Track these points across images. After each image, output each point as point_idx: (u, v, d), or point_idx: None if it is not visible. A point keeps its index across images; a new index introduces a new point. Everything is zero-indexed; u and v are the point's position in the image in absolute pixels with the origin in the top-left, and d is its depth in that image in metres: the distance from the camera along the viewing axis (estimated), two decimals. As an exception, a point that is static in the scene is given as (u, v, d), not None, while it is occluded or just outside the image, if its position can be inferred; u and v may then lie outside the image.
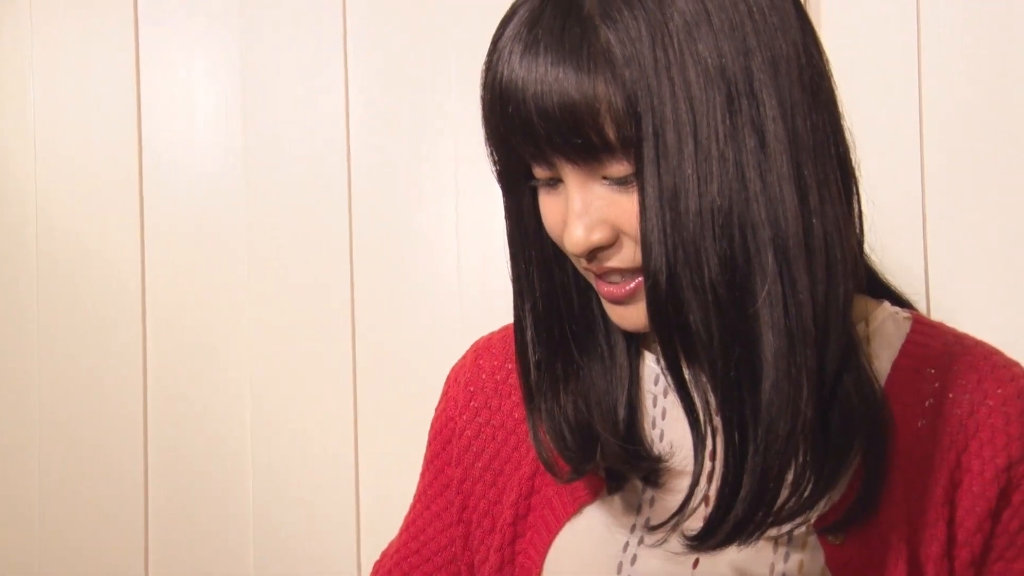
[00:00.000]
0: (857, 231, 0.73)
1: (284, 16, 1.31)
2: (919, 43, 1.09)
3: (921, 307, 0.97)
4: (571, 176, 0.67)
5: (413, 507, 0.89)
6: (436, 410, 0.88)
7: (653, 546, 0.74)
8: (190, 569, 1.34)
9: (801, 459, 0.67)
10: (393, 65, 1.27)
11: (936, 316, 1.06)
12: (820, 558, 0.71)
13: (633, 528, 0.76)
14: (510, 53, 0.65)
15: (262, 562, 1.31)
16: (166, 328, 1.35)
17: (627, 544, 0.75)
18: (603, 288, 0.70)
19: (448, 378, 0.89)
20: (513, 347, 0.78)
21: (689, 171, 0.62)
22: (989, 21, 1.07)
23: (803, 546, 0.72)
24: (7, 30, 1.41)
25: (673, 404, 0.77)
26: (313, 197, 1.29)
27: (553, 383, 0.75)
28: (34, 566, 1.40)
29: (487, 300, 1.22)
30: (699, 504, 0.73)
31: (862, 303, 0.77)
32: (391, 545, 0.90)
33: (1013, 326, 1.04)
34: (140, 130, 1.36)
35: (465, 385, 0.86)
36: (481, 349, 0.87)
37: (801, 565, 0.71)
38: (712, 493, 0.71)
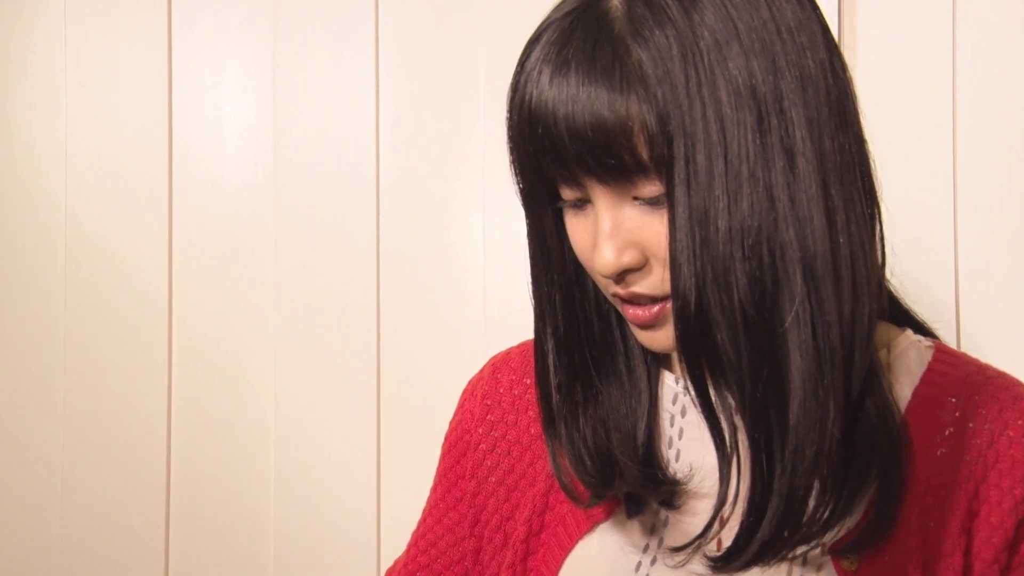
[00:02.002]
0: (879, 254, 0.73)
1: (316, 29, 1.32)
2: (954, 64, 1.08)
3: (948, 335, 0.97)
4: (601, 197, 0.66)
5: (424, 520, 0.88)
6: (451, 423, 0.88)
7: (670, 567, 0.73)
8: None
9: (825, 480, 0.67)
10: (423, 79, 1.28)
11: (966, 344, 1.05)
12: None
13: (646, 548, 0.75)
14: (539, 74, 0.65)
15: (282, 571, 1.31)
16: (192, 336, 1.36)
17: (640, 564, 0.75)
18: (629, 311, 0.70)
19: (465, 391, 0.88)
20: (531, 363, 0.78)
21: (719, 191, 0.62)
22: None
23: (817, 569, 0.71)
24: (40, 38, 1.43)
25: (690, 424, 0.76)
26: (341, 210, 1.30)
27: (573, 408, 0.74)
28: (54, 574, 1.41)
29: (512, 315, 1.23)
30: (719, 527, 0.72)
31: (884, 330, 0.76)
32: (400, 558, 0.89)
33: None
34: (171, 140, 1.37)
35: (482, 399, 0.86)
36: (499, 364, 0.87)
37: None
38: (734, 514, 0.70)
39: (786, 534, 0.66)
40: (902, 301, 0.79)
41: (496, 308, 1.24)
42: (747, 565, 0.67)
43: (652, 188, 0.65)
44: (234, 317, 1.34)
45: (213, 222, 1.35)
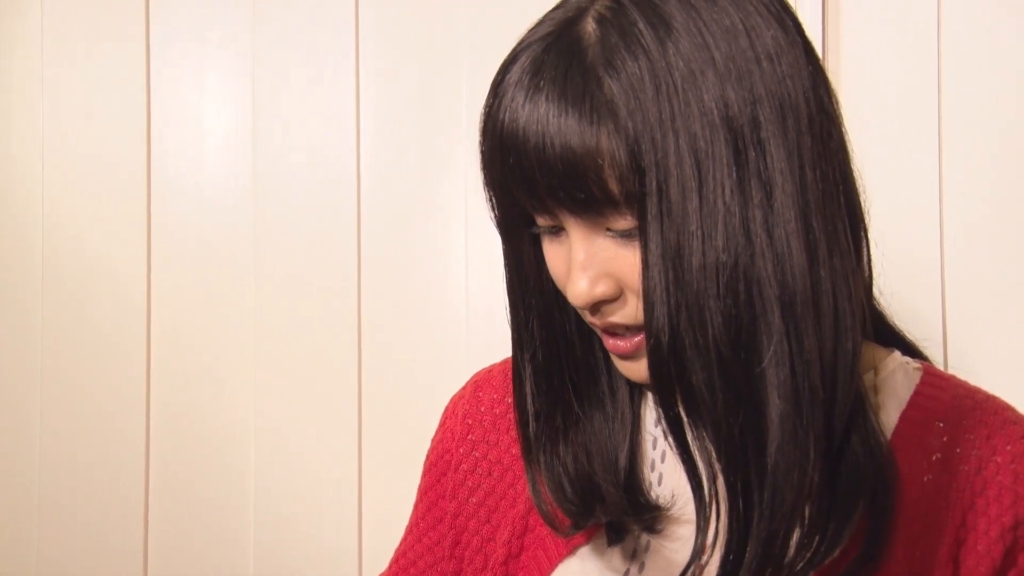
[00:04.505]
0: (866, 277, 0.71)
1: (295, 41, 1.30)
2: (939, 82, 1.07)
3: (936, 353, 0.95)
4: (574, 228, 0.65)
5: (406, 538, 0.87)
6: (433, 441, 0.87)
7: None
8: None
9: (807, 520, 0.65)
10: (405, 91, 1.26)
11: (954, 362, 1.04)
12: None
13: (627, 573, 0.74)
14: (512, 100, 0.63)
15: None
16: (171, 346, 1.35)
17: None
18: (608, 342, 0.69)
19: (446, 409, 0.87)
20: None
21: (693, 227, 0.60)
22: (1012, 61, 1.05)
23: None
24: (18, 48, 1.41)
25: (675, 450, 0.75)
26: (321, 221, 1.29)
27: (552, 435, 0.73)
28: None
29: (494, 326, 1.22)
30: (702, 562, 0.71)
31: (870, 352, 0.75)
32: (383, 574, 0.88)
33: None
34: (149, 151, 1.36)
35: (463, 417, 0.84)
36: (481, 381, 0.86)
37: None
38: (716, 547, 0.69)
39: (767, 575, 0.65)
40: (890, 320, 0.77)
41: (478, 319, 1.23)
42: None
43: (624, 222, 0.63)
44: (214, 328, 1.33)
45: (192, 233, 1.34)
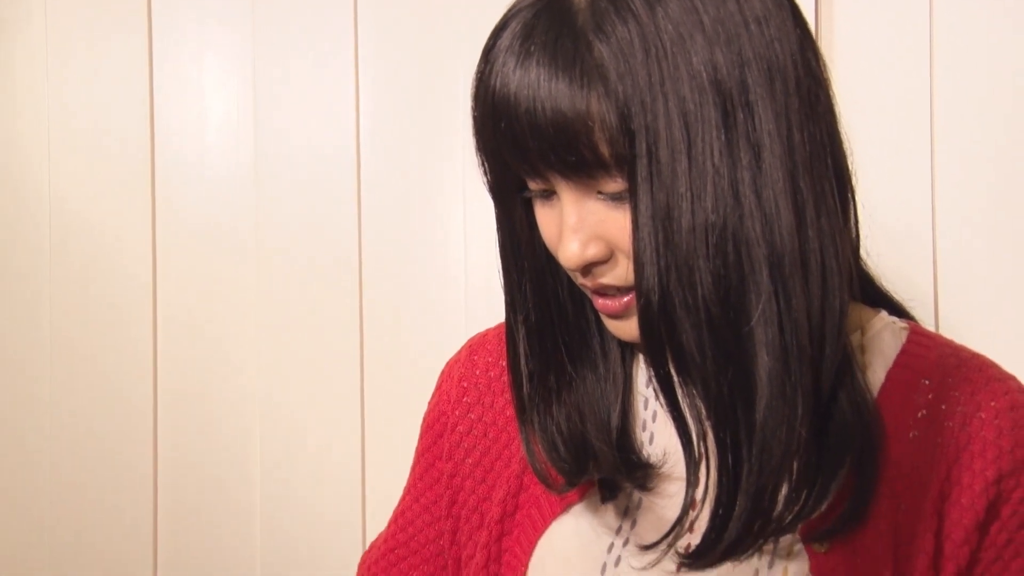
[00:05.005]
0: (853, 237, 0.73)
1: (295, 21, 1.31)
2: (931, 50, 1.08)
3: (926, 315, 0.96)
4: (565, 191, 0.66)
5: (403, 498, 0.89)
6: (429, 404, 0.89)
7: (637, 569, 0.74)
8: (198, 569, 1.37)
9: (795, 475, 0.67)
10: (404, 70, 1.28)
11: (944, 326, 1.05)
12: (805, 566, 0.71)
13: (619, 530, 0.76)
14: (503, 65, 0.64)
15: (268, 563, 1.34)
16: (176, 327, 1.37)
17: (612, 545, 0.76)
18: (599, 302, 0.70)
19: (443, 372, 0.89)
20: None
21: (683, 188, 0.62)
22: (1003, 27, 1.05)
23: (788, 554, 0.72)
24: (21, 29, 1.41)
25: (666, 408, 0.77)
26: (322, 200, 1.31)
27: (546, 396, 0.75)
28: (43, 571, 1.43)
29: (493, 304, 1.23)
30: (691, 517, 0.73)
31: (857, 312, 0.76)
32: (381, 534, 0.91)
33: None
34: (153, 132, 1.37)
35: (459, 380, 0.86)
36: (476, 345, 0.87)
37: (785, 572, 0.72)
38: (705, 506, 0.71)
39: (756, 530, 0.67)
40: (878, 281, 0.79)
41: (477, 294, 1.25)
42: (718, 562, 0.68)
43: (614, 185, 0.64)
44: (218, 305, 1.35)
45: (196, 213, 1.36)
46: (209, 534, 1.36)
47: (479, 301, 1.25)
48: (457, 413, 0.85)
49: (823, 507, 0.70)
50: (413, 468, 0.89)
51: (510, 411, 0.82)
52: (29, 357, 1.42)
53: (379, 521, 1.28)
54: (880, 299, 0.79)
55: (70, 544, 1.41)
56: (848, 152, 0.70)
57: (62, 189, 1.40)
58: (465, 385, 0.86)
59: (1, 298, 1.44)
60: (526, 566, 0.78)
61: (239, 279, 1.34)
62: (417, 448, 0.89)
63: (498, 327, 0.86)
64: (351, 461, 1.30)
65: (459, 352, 0.89)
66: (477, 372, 0.85)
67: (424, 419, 0.89)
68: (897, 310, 0.79)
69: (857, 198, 0.71)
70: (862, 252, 0.75)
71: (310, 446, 1.32)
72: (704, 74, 0.61)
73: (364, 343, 1.30)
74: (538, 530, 0.79)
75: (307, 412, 1.32)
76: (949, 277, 1.07)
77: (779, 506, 0.67)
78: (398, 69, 1.28)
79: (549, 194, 0.68)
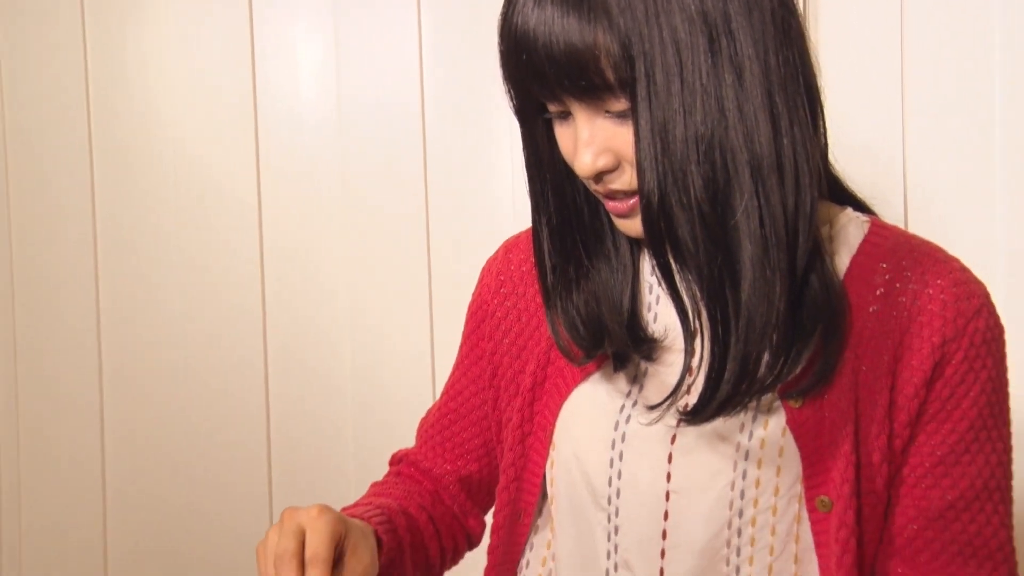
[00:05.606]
0: (822, 145, 0.84)
1: None
2: None
3: (895, 215, 1.08)
4: (579, 111, 0.77)
5: (453, 373, 1.03)
6: (473, 294, 1.02)
7: (644, 424, 0.86)
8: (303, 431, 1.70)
9: (775, 343, 0.77)
10: (462, 20, 1.55)
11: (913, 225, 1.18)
12: (782, 419, 0.82)
13: (629, 393, 0.89)
14: (523, 6, 0.75)
15: (358, 434, 1.67)
16: (277, 239, 1.69)
17: (623, 406, 0.89)
18: (609, 204, 0.82)
19: (483, 268, 1.02)
20: None
21: (676, 105, 0.72)
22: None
23: (769, 409, 0.83)
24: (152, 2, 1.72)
25: (666, 291, 0.90)
26: (393, 137, 1.62)
27: (567, 284, 0.86)
28: (167, 462, 1.76)
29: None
30: (689, 381, 0.84)
31: (826, 209, 0.87)
32: (435, 404, 1.05)
33: (986, 240, 1.14)
34: (255, 79, 1.67)
35: (496, 274, 0.99)
36: (511, 245, 1.01)
37: (766, 424, 0.83)
38: (700, 373, 0.82)
39: (743, 390, 0.78)
40: (844, 183, 0.89)
41: (523, 209, 1.43)
42: (712, 417, 0.79)
43: (619, 104, 0.75)
44: (312, 224, 1.66)
45: (291, 149, 1.67)
46: (310, 383, 1.70)
47: (523, 208, 1.43)
48: (495, 302, 0.98)
49: (797, 370, 0.80)
50: (460, 348, 1.03)
51: (539, 299, 0.93)
52: (157, 264, 1.73)
53: (443, 375, 1.61)
54: (846, 198, 0.89)
55: (194, 433, 1.76)
56: (817, 71, 0.80)
57: (181, 123, 1.71)
58: (502, 278, 0.99)
59: (136, 220, 1.74)
60: (554, 424, 0.92)
61: (326, 202, 1.66)
62: (464, 331, 1.02)
63: (528, 230, 0.98)
64: (422, 352, 1.62)
65: (497, 251, 1.02)
66: (512, 267, 0.98)
67: (469, 307, 1.02)
68: (861, 207, 0.90)
69: (825, 111, 0.83)
70: (831, 158, 0.87)
71: (388, 341, 1.64)
72: (692, 7, 0.72)
73: (430, 243, 1.62)
74: (563, 395, 0.92)
75: (386, 317, 1.64)
76: (916, 180, 1.19)
77: (762, 369, 0.78)
78: (458, 20, 1.55)
79: (565, 115, 0.79)
